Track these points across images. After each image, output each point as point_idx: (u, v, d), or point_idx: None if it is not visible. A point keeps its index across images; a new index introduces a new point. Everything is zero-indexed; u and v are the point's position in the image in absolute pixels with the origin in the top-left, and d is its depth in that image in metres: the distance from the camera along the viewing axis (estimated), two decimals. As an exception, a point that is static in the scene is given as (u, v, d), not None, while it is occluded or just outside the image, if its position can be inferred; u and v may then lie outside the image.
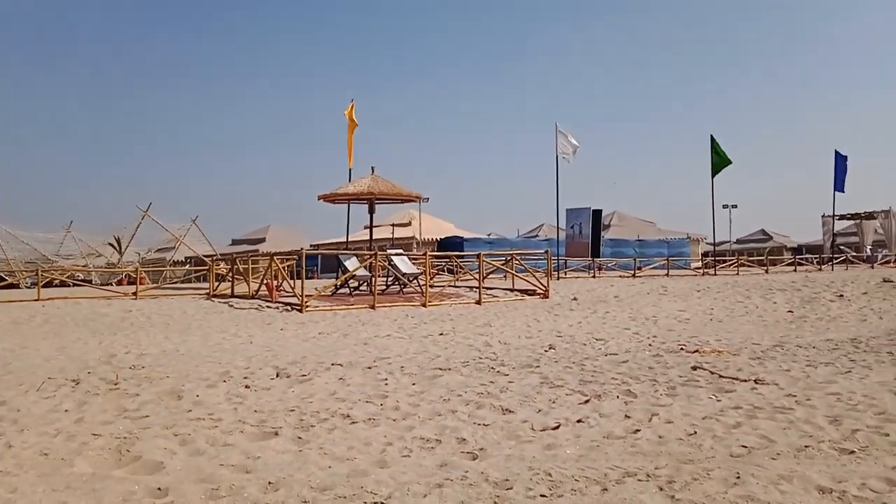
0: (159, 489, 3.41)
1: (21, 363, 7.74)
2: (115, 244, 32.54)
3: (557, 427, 4.54)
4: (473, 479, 3.49)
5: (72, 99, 79.23)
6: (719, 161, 27.25)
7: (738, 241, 55.61)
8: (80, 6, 77.15)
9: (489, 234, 39.59)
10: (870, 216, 37.97)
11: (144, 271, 24.30)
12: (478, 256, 16.98)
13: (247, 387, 6.02)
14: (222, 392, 5.81)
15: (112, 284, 24.55)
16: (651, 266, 28.97)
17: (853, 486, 3.30)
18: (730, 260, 32.62)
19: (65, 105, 77.65)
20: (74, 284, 22.41)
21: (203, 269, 25.10)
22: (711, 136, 27.53)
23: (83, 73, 78.89)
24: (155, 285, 22.76)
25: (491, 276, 19.95)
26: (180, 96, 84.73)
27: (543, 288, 16.41)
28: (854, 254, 35.48)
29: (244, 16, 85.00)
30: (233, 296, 16.49)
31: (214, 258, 24.34)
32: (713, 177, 27.48)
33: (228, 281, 17.95)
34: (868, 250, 36.43)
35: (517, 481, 3.46)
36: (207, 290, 18.08)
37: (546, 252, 19.15)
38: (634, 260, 28.18)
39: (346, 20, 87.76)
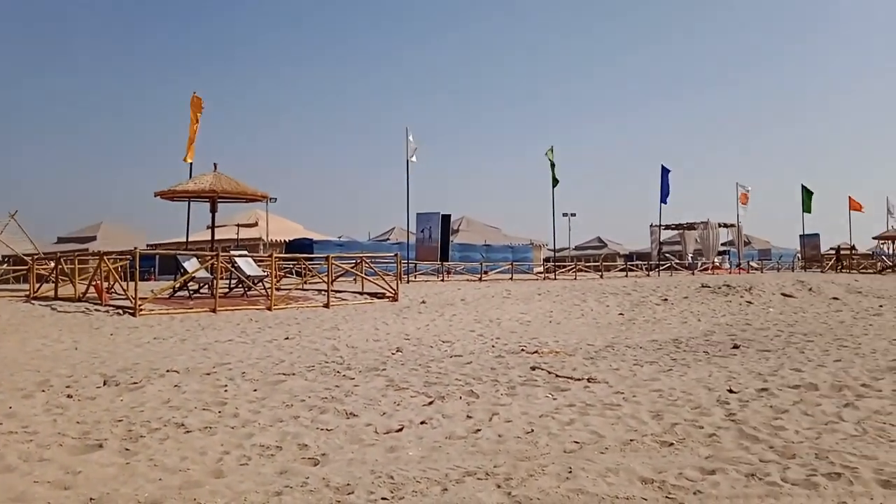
0: (-42, 513, 3.06)
1: None
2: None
3: (401, 429, 4.56)
4: (314, 486, 3.43)
5: None
6: (554, 169, 28.91)
7: (577, 248, 58.77)
8: None
9: (340, 237, 39.13)
10: (691, 227, 41.42)
11: (-49, 271, 21.81)
12: (327, 259, 16.75)
13: (69, 396, 5.56)
14: (40, 402, 5.32)
15: (-90, 285, 21.82)
16: (497, 270, 29.91)
17: (672, 475, 3.58)
18: (569, 265, 34.40)
19: None
20: None
21: (23, 270, 22.91)
22: (551, 147, 29.03)
23: None
24: (-36, 286, 20.48)
25: (340, 279, 19.75)
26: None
27: (393, 291, 16.47)
28: (678, 261, 38.54)
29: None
30: (56, 298, 15.16)
31: (36, 257, 22.27)
32: (553, 185, 28.98)
33: (51, 282, 16.49)
34: (690, 258, 39.72)
35: (359, 485, 3.43)
36: (27, 292, 16.50)
37: (396, 255, 19.25)
38: (481, 264, 28.98)
39: (190, 12, 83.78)
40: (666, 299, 15.62)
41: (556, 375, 6.51)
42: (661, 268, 35.24)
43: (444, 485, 3.45)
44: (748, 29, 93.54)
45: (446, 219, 29.45)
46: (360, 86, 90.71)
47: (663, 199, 34.42)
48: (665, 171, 34.25)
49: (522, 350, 8.44)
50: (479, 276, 27.26)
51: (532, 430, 4.54)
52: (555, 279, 27.37)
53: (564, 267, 33.81)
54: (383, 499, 3.28)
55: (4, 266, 29.07)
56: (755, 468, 3.69)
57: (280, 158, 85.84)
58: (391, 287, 16.68)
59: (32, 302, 14.64)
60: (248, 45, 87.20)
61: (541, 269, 34.87)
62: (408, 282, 21.90)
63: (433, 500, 3.25)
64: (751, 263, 41.16)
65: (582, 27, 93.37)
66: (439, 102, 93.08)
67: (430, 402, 5.35)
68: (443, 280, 25.57)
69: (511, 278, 27.16)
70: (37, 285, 16.59)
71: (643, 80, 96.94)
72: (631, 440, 4.30)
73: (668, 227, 41.58)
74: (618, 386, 6.05)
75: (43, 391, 5.77)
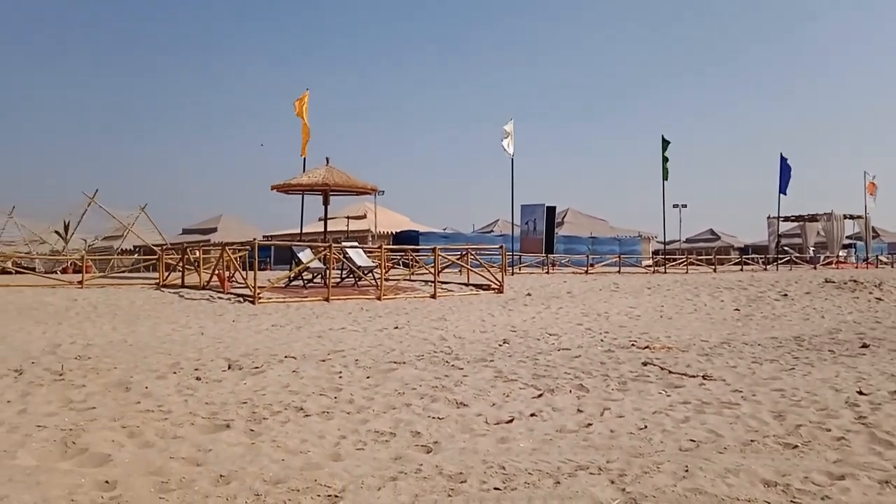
0: (107, 482, 3.33)
1: (-41, 353, 7.46)
2: (62, 231, 31.57)
3: (511, 421, 4.58)
4: (428, 473, 3.50)
5: (15, 81, 76.41)
6: (667, 164, 27.95)
7: (688, 241, 56.77)
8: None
9: (445, 229, 39.56)
10: (812, 218, 39.14)
11: (91, 260, 23.64)
12: (433, 250, 16.98)
13: (198, 378, 5.92)
14: (172, 384, 5.69)
15: (56, 273, 23.81)
16: (603, 263, 29.42)
17: (796, 479, 3.41)
18: (679, 258, 33.30)
19: (7, 87, 74.80)
20: (17, 272, 21.67)
21: (152, 259, 24.52)
22: (662, 136, 28.10)
23: (26, 55, 76.18)
24: (102, 274, 22.12)
25: (446, 270, 19.99)
26: (132, 83, 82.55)
27: (498, 283, 16.51)
28: (797, 255, 36.56)
29: (199, 3, 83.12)
30: (183, 286, 16.15)
31: (164, 247, 23.78)
32: (664, 178, 28.05)
33: (178, 271, 17.58)
34: (811, 251, 37.57)
35: (471, 474, 3.48)
36: (157, 280, 17.67)
37: (501, 247, 19.26)
38: (587, 257, 28.55)
39: (300, 9, 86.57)
40: (786, 294, 14.85)
41: (670, 371, 6.34)
42: (779, 261, 33.52)
43: (557, 478, 3.44)
44: (870, 13, 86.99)
45: (551, 210, 29.14)
46: (467, 78, 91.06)
47: (782, 190, 32.64)
48: (784, 161, 32.47)
49: (633, 345, 8.26)
50: (584, 268, 26.87)
51: (645, 427, 4.44)
52: (665, 273, 26.59)
53: (675, 260, 32.77)
54: (495, 489, 3.30)
55: (136, 256, 31.21)
56: (889, 475, 3.46)
57: (386, 151, 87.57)
58: (497, 279, 16.72)
59: (162, 289, 15.67)
60: (357, 39, 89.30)
61: (650, 262, 33.92)
62: (512, 274, 21.87)
63: (545, 493, 3.25)
64: (880, 258, 38.49)
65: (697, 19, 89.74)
66: (549, 94, 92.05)
67: (540, 395, 5.34)
68: (547, 272, 25.38)
69: (619, 271, 26.61)
70: (165, 274, 17.73)
71: (760, 70, 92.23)
72: (751, 441, 4.13)
73: (787, 219, 39.44)
74: (736, 384, 5.82)
75: (174, 373, 6.18)
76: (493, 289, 16.43)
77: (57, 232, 32.07)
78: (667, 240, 31.11)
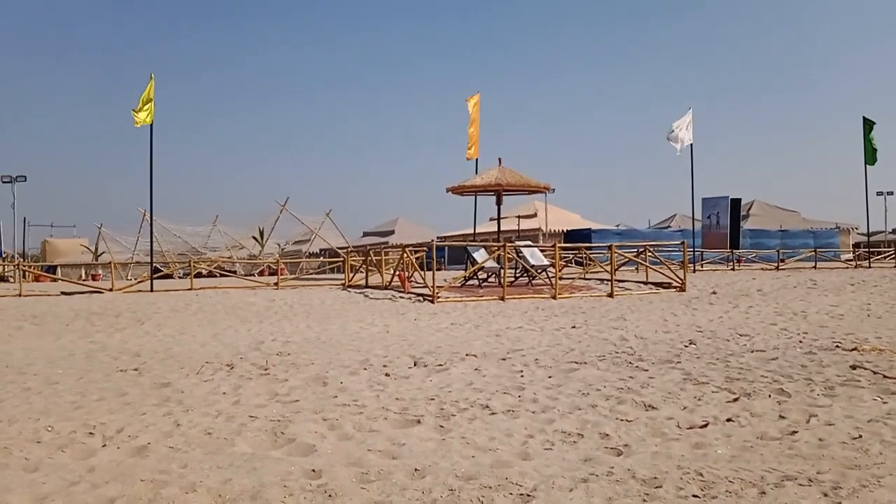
0: (313, 471, 3.57)
1: (181, 348, 8.37)
2: (259, 237, 34.44)
3: (706, 425, 4.35)
4: (620, 476, 3.41)
5: (214, 106, 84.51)
6: (871, 147, 25.19)
7: (895, 231, 51.16)
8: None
9: (618, 225, 38.56)
10: None
11: (283, 263, 25.58)
12: (609, 248, 16.60)
13: (387, 375, 6.20)
14: (364, 379, 6.01)
15: (255, 275, 26.02)
16: (796, 258, 27.23)
17: None
18: (886, 251, 30.08)
19: (209, 112, 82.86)
20: (221, 275, 23.96)
21: (337, 261, 26.09)
22: (864, 118, 25.42)
23: (224, 81, 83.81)
24: (294, 276, 23.88)
25: (622, 268, 19.47)
26: (313, 101, 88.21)
27: (680, 281, 15.81)
28: None
29: (362, 13, 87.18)
30: (367, 286, 17.03)
31: (348, 250, 25.19)
32: (868, 163, 25.36)
33: (362, 272, 18.56)
34: None
35: (666, 480, 3.34)
36: (342, 281, 18.76)
37: (682, 243, 18.44)
38: (777, 252, 26.56)
39: (464, 13, 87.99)
40: None
41: (885, 376, 5.72)
42: None
43: (761, 487, 3.22)
44: None
45: (735, 203, 27.53)
46: (640, 61, 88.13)
47: None
48: None
49: (837, 347, 7.55)
50: (775, 264, 25.04)
51: (860, 436, 4.04)
52: (869, 267, 24.12)
53: (881, 253, 29.63)
54: (694, 496, 3.15)
55: (321, 258, 33.33)
56: None
57: (555, 148, 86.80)
58: (678, 276, 16.02)
59: (348, 290, 16.61)
60: (526, 39, 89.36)
61: (850, 255, 30.91)
62: (694, 271, 20.85)
63: (749, 503, 3.05)
64: None
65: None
66: (723, 79, 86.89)
67: (735, 399, 5.03)
68: (733, 269, 23.94)
69: (814, 266, 24.52)
70: (350, 275, 18.78)
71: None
72: None
73: None
74: (968, 392, 5.14)
75: (365, 369, 6.51)
76: (675, 287, 15.76)
77: (254, 237, 35.04)
78: (870, 231, 28.10)
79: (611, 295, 14.58)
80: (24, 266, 25.09)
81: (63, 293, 16.28)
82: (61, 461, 3.81)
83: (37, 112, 77.76)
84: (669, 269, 16.60)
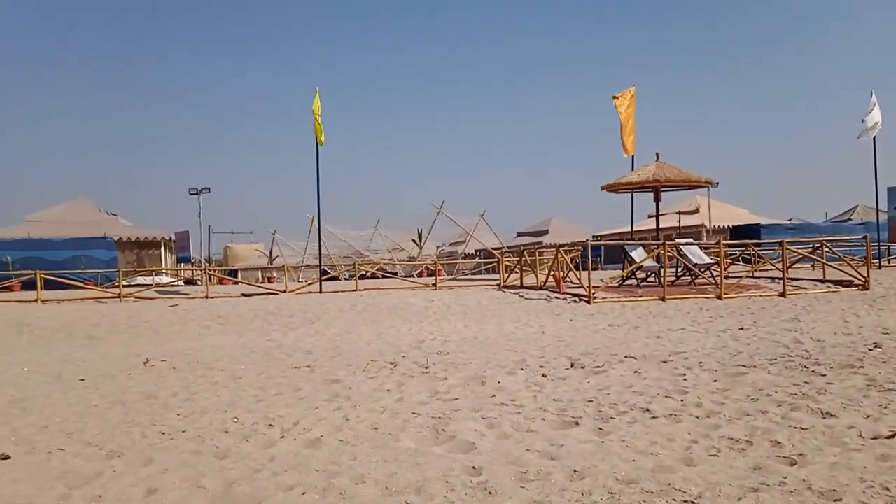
0: (474, 468, 3.67)
1: (348, 346, 8.86)
2: (417, 239, 35.56)
3: (893, 436, 3.99)
4: (793, 487, 3.22)
5: (379, 122, 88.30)
6: None
7: None
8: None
9: (790, 220, 35.91)
10: None
11: (441, 264, 26.25)
12: (780, 244, 15.54)
13: (543, 375, 6.22)
14: (521, 379, 6.07)
15: (413, 276, 26.90)
16: None
17: None
18: None
19: (374, 127, 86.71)
20: (383, 276, 24.99)
21: (492, 262, 26.36)
22: None
23: (387, 104, 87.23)
24: (451, 277, 24.42)
25: (796, 265, 18.16)
26: (458, 102, 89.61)
27: (863, 278, 14.50)
28: None
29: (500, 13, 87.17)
30: (521, 287, 17.08)
31: (502, 251, 25.42)
32: None
33: (517, 272, 18.64)
34: None
35: (846, 493, 3.12)
36: (497, 282, 18.94)
37: (864, 237, 16.88)
38: (985, 244, 23.55)
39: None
40: None
41: None
42: None
43: (962, 509, 2.92)
44: None
45: (928, 191, 24.70)
46: (814, 42, 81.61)
47: None
48: None
49: None
50: (980, 258, 22.28)
51: None
52: None
53: None
54: (879, 513, 2.92)
55: (477, 259, 33.84)
56: None
57: (716, 141, 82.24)
58: (860, 273, 14.70)
59: (503, 290, 16.75)
60: (680, 33, 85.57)
61: None
62: (879, 267, 19.02)
63: (947, 525, 2.78)
64: None
65: None
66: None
67: (929, 409, 4.57)
68: (926, 264, 21.57)
69: None
70: (505, 275, 18.93)
71: None
72: None
73: None
74: None
75: (521, 370, 6.57)
76: (856, 285, 14.48)
77: (413, 240, 36.20)
78: None
79: (783, 294, 13.65)
80: (210, 270, 27.58)
81: (244, 295, 17.70)
82: (246, 450, 4.18)
83: (217, 129, 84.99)
84: (850, 265, 15.28)
